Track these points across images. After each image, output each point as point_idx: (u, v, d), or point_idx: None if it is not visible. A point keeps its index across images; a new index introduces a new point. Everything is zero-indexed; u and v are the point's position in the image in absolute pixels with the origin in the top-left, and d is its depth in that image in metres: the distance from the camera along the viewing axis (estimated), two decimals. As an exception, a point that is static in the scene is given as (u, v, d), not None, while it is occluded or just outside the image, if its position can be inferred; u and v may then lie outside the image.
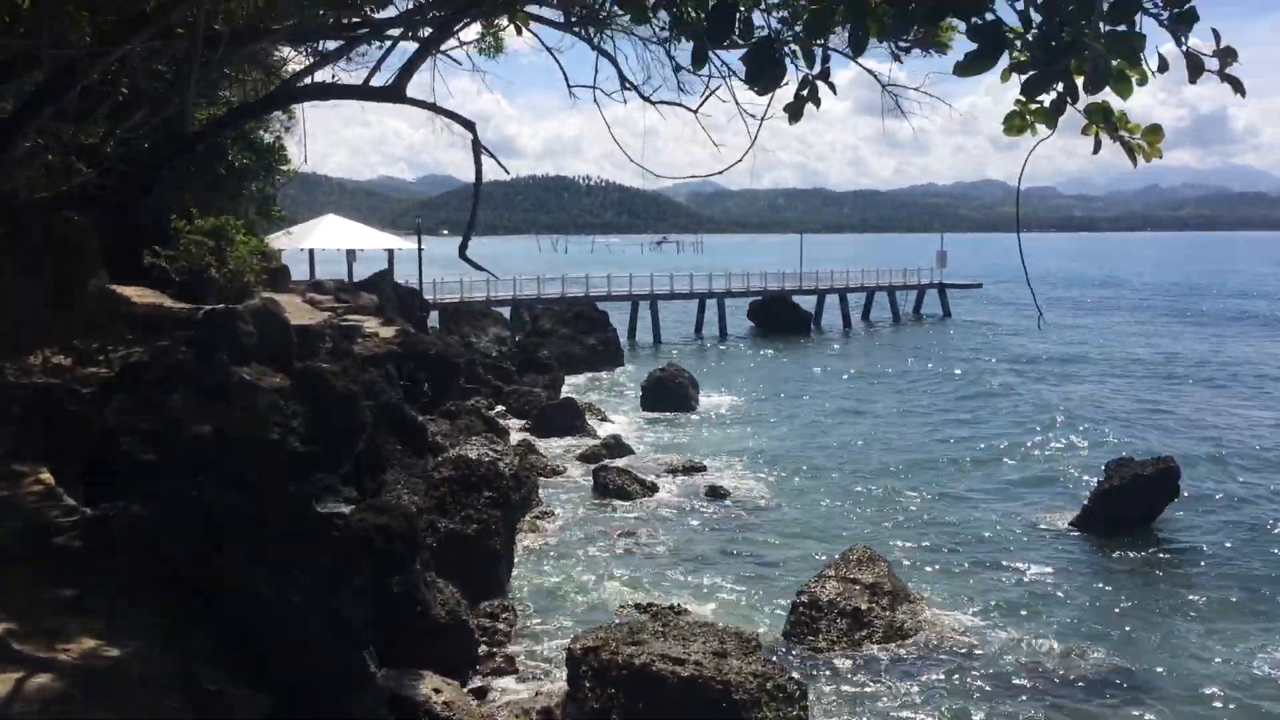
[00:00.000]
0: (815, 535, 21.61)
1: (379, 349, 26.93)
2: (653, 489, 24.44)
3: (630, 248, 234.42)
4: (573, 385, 40.72)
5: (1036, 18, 3.35)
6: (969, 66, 3.24)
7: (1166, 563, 19.91)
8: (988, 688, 14.06)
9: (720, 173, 9.01)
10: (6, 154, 8.73)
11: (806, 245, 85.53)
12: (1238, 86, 3.65)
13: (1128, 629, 16.44)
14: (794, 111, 3.77)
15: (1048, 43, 3.23)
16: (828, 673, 14.38)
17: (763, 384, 43.24)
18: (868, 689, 13.95)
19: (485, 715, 11.92)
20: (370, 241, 46.47)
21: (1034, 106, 3.74)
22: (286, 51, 16.91)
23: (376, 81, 10.62)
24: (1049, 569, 19.29)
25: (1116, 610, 17.31)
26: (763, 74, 3.36)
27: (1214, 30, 3.60)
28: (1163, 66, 3.57)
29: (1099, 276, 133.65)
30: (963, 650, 15.28)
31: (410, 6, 10.76)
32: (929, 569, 19.30)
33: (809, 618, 15.63)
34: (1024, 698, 13.80)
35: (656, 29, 11.48)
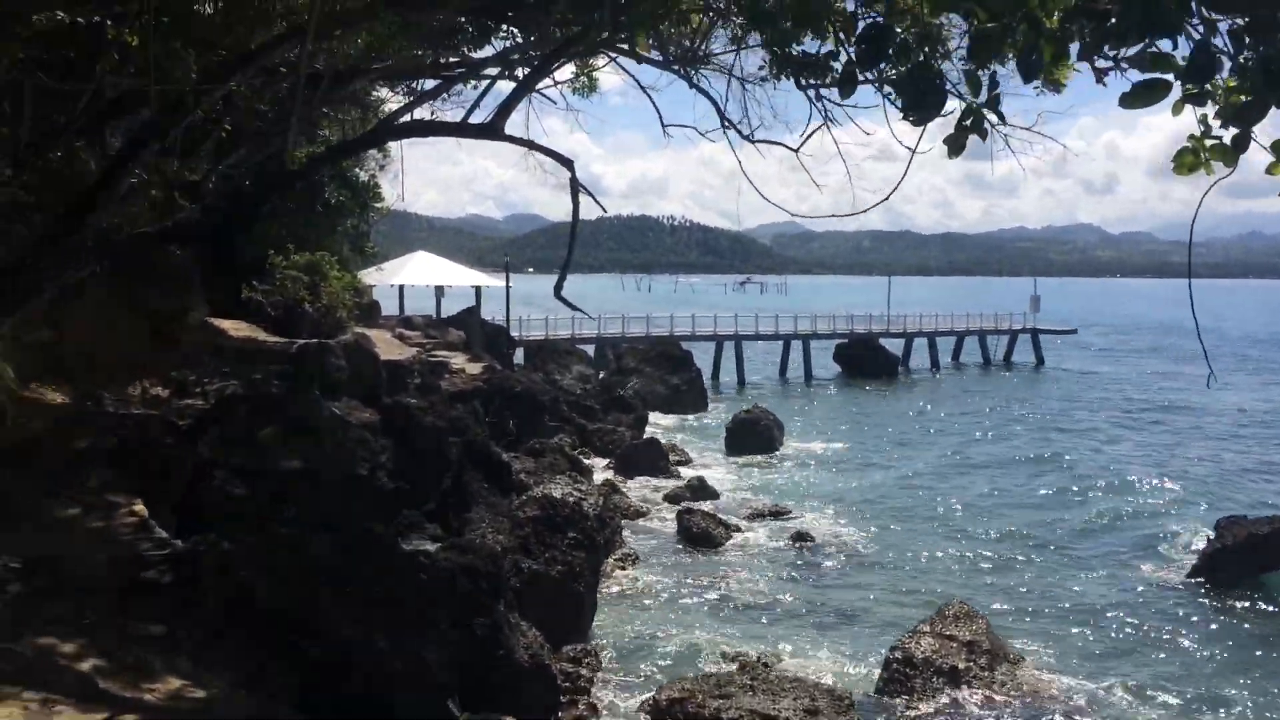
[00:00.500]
0: (907, 587, 20.86)
1: (466, 385, 27.06)
2: (738, 533, 23.96)
3: (714, 288, 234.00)
4: (656, 424, 40.44)
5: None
6: (1138, 98, 2.88)
7: (1286, 627, 18.72)
8: (1096, 758, 13.26)
9: (852, 214, 8.70)
10: (113, 190, 8.85)
11: (893, 287, 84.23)
12: None
13: (1249, 693, 15.41)
14: (956, 145, 3.40)
15: (1267, 67, 2.84)
16: (923, 735, 13.72)
17: (849, 428, 42.40)
18: (966, 754, 13.26)
19: (567, 766, 11.59)
20: (459, 279, 47.04)
21: (1209, 143, 3.34)
22: (384, 91, 17.18)
23: (471, 119, 10.60)
24: (1158, 629, 18.28)
25: (1233, 673, 16.27)
26: (923, 102, 3.03)
27: None
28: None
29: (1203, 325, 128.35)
30: (1068, 714, 14.46)
31: (508, 45, 10.74)
32: (1028, 626, 18.44)
33: (903, 675, 14.97)
34: (1135, 770, 12.97)
35: (753, 67, 11.29)
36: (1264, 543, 20.53)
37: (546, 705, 13.31)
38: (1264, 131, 3.29)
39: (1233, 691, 15.38)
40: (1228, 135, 3.21)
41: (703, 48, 10.92)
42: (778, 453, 35.39)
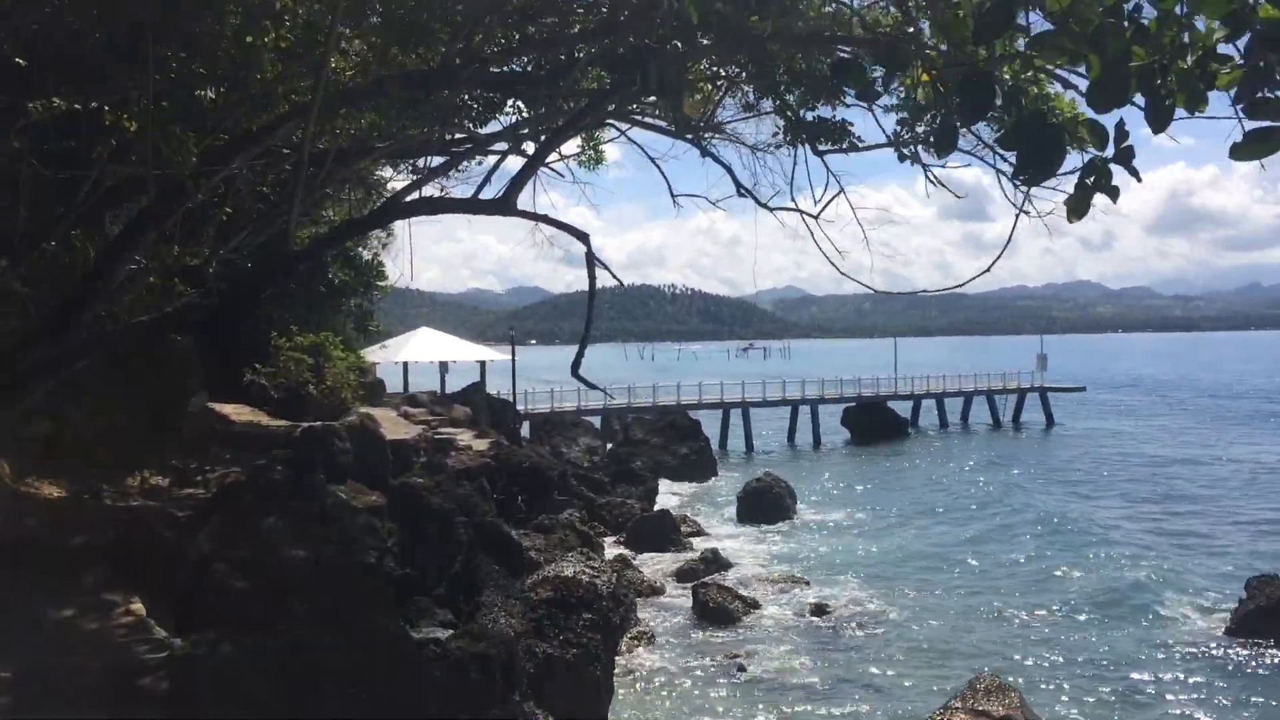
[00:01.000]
0: (932, 659, 20.18)
1: (472, 462, 26.60)
2: (755, 606, 23.32)
3: (716, 354, 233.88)
4: (666, 495, 39.84)
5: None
6: (1254, 149, 2.54)
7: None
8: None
9: (917, 292, 8.39)
10: (109, 279, 8.57)
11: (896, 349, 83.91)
12: None
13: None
14: (1080, 207, 2.94)
15: None
16: (963, 822, 13.04)
17: (862, 492, 41.78)
18: (1010, 842, 12.57)
19: None
20: (462, 353, 46.84)
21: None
22: (387, 170, 17.04)
23: (470, 194, 10.38)
24: (1196, 696, 17.61)
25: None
26: (1041, 159, 2.64)
27: None
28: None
29: (1207, 379, 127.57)
30: (1112, 796, 13.80)
31: (515, 120, 10.55)
32: (1064, 697, 17.77)
33: (938, 757, 14.30)
34: None
35: (766, 135, 11.10)
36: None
37: (566, 801, 12.71)
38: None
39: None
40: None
41: (714, 116, 10.75)
42: (791, 520, 34.77)
